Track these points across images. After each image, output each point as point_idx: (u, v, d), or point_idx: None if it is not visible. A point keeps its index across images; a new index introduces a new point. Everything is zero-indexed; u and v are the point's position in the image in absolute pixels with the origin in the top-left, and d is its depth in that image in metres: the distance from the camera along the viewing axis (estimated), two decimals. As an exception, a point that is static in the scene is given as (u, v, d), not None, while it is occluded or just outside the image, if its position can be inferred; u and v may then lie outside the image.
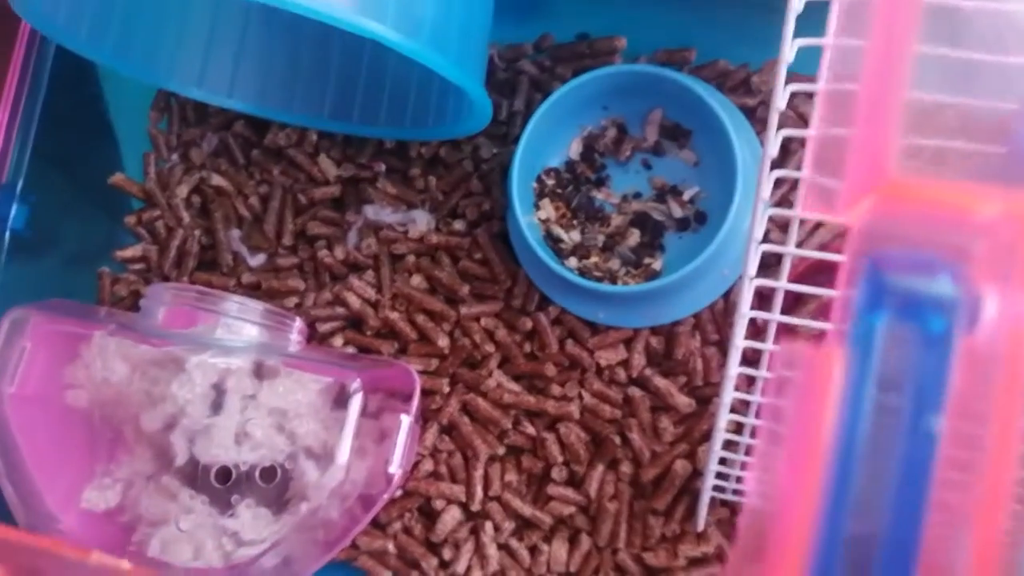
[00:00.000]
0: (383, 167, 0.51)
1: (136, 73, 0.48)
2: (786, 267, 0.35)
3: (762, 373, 0.38)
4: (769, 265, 0.44)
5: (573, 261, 0.47)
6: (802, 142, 0.46)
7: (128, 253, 0.53)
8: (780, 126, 0.32)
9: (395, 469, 0.42)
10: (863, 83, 0.14)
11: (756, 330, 0.44)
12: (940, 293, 0.15)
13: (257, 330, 0.45)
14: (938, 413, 0.15)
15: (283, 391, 0.43)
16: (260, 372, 0.44)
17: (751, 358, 0.41)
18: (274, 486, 0.43)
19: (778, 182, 0.47)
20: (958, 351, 0.15)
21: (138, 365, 0.44)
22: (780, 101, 0.29)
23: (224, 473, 0.43)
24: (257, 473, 0.43)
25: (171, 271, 0.52)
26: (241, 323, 0.44)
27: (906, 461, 0.14)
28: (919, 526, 0.14)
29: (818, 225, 0.45)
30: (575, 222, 0.48)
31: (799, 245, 0.44)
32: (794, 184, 0.46)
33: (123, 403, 0.45)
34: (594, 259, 0.47)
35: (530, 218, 0.47)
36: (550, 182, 0.48)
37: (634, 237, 0.47)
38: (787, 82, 0.31)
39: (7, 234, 0.48)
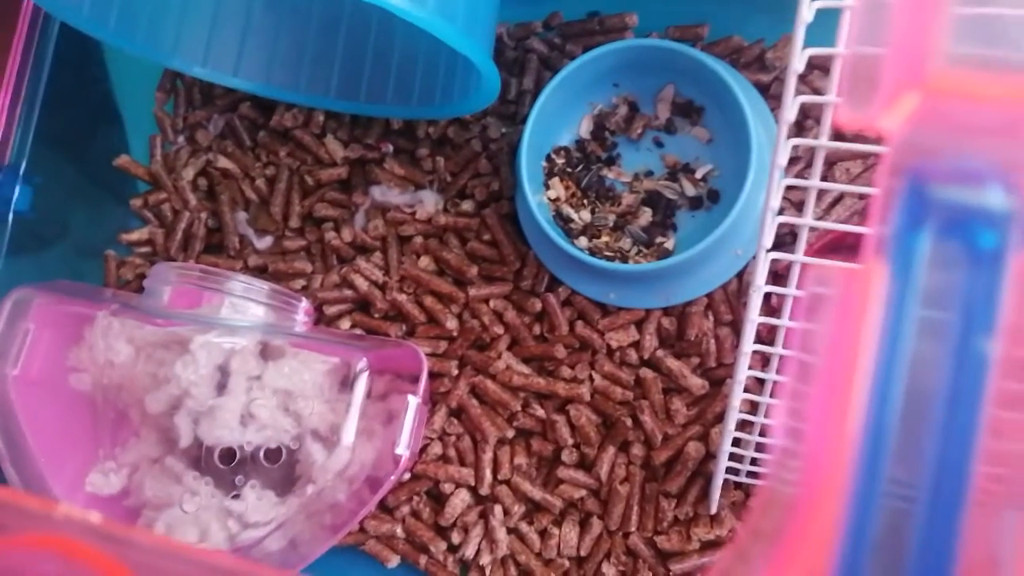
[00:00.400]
0: (390, 148, 0.51)
1: (139, 51, 0.48)
2: (803, 240, 0.34)
3: (777, 350, 0.37)
4: (784, 244, 0.44)
5: (583, 241, 0.46)
6: (817, 119, 0.46)
7: (134, 236, 0.52)
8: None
9: (402, 450, 0.42)
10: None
11: (770, 309, 0.43)
12: (990, 205, 0.14)
13: (263, 310, 0.44)
14: (989, 334, 0.13)
15: (289, 372, 0.42)
16: (266, 353, 0.43)
17: (765, 338, 0.41)
18: (280, 467, 0.43)
19: (792, 161, 0.46)
20: (1011, 270, 0.13)
21: (142, 347, 0.44)
22: (798, 63, 0.28)
23: (228, 454, 0.42)
24: (262, 453, 0.42)
25: (177, 254, 0.52)
26: (247, 303, 0.43)
27: (954, 386, 0.13)
28: (968, 465, 0.13)
29: (836, 201, 0.44)
30: (585, 201, 0.47)
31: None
32: (809, 162, 0.46)
33: (127, 385, 0.44)
34: (605, 239, 0.46)
35: (540, 197, 0.46)
36: (560, 161, 0.48)
37: (645, 216, 0.46)
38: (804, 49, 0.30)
39: (11, 216, 0.48)
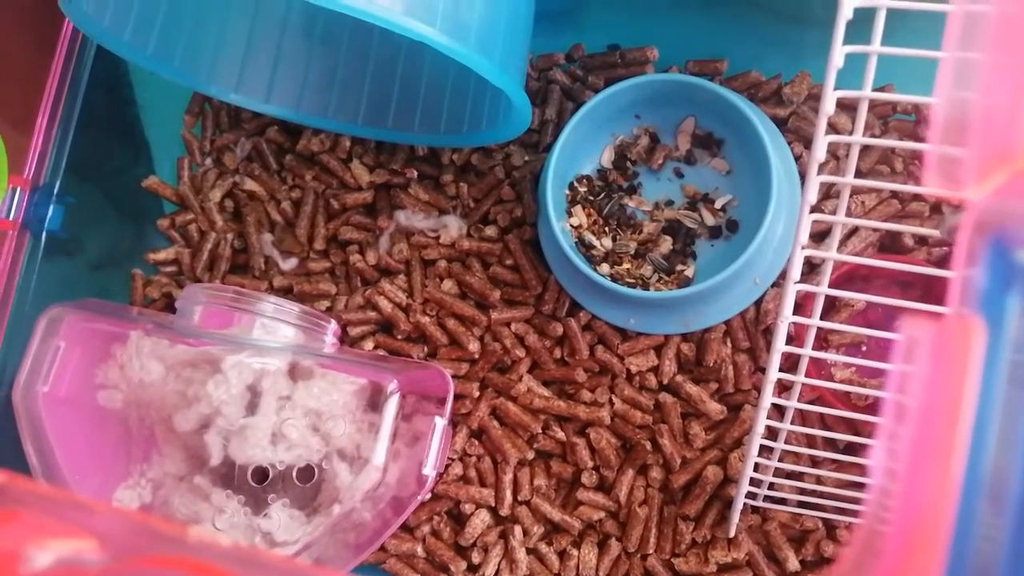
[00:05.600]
0: (415, 173, 0.52)
1: (176, 77, 0.49)
2: (827, 272, 0.36)
3: (800, 379, 0.38)
4: (801, 275, 0.45)
5: (605, 267, 0.47)
6: (833, 153, 0.47)
7: (161, 255, 0.53)
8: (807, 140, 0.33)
9: (429, 471, 0.43)
10: (992, 49, 0.14)
11: (787, 337, 0.45)
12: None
13: (293, 331, 0.45)
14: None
15: (318, 392, 0.43)
16: (295, 373, 0.44)
17: (783, 367, 0.42)
18: (309, 487, 0.43)
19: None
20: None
21: (173, 366, 0.44)
22: (829, 105, 0.30)
23: (261, 472, 0.43)
24: (294, 473, 0.43)
25: (203, 274, 0.53)
26: (277, 324, 0.44)
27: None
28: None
29: (852, 232, 0.45)
30: (607, 229, 0.48)
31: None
32: (828, 192, 0.47)
33: (155, 403, 0.45)
34: (626, 265, 0.48)
35: (562, 224, 0.48)
36: (582, 189, 0.49)
37: (666, 244, 0.48)
38: (813, 94, 0.31)
39: (43, 235, 0.49)
